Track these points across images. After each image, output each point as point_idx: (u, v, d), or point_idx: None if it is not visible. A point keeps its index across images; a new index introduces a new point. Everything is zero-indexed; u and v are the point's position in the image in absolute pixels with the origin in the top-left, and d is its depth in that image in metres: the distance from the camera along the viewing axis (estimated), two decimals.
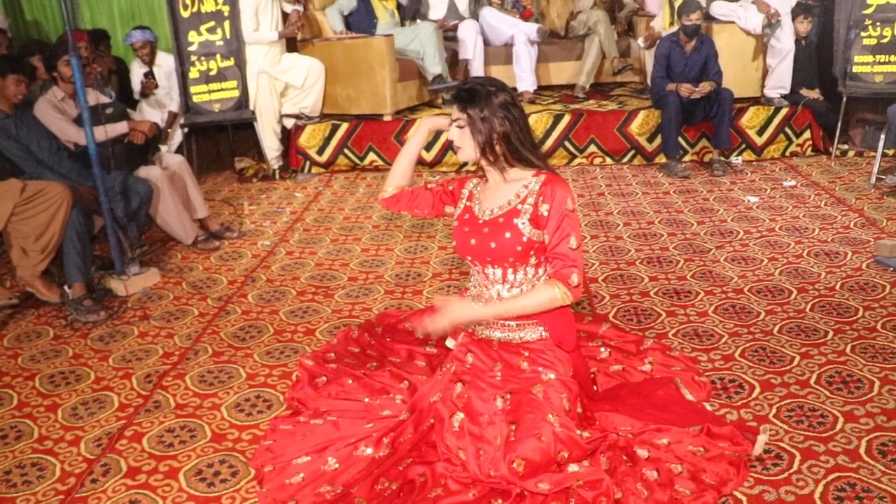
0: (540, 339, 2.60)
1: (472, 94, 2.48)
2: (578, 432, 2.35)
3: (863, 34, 5.91)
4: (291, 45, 6.81)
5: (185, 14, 6.05)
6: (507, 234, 2.51)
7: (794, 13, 6.29)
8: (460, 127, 2.52)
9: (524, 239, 2.49)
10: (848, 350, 3.09)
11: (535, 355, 2.57)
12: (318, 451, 2.48)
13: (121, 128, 4.54)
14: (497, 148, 2.50)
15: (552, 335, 2.60)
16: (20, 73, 4.06)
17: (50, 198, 3.81)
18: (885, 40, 5.87)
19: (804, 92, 6.30)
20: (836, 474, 2.33)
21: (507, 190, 2.58)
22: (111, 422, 2.88)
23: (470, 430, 2.39)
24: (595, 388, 2.81)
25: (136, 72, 6.45)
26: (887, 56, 5.89)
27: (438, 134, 6.38)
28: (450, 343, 2.84)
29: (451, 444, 2.39)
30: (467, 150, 2.54)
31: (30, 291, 4.00)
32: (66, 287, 3.94)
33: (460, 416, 2.44)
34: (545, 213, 2.48)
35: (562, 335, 2.61)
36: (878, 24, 5.87)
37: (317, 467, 2.42)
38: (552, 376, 2.50)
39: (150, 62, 6.38)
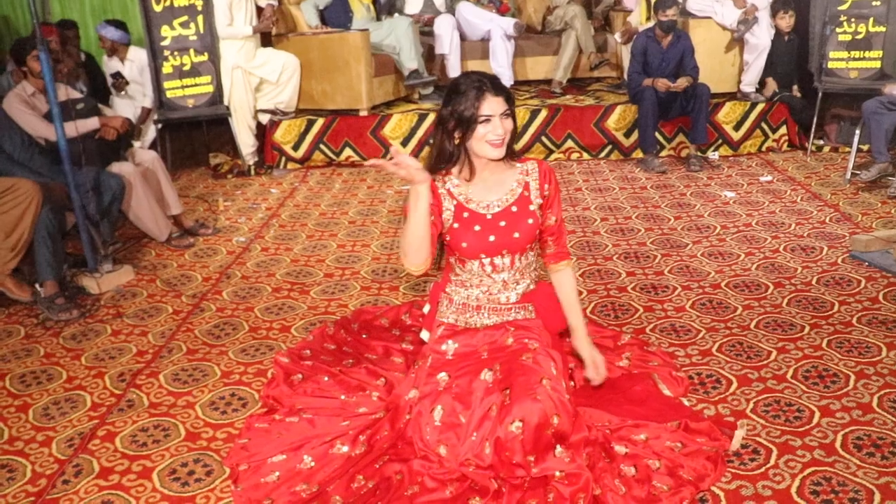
0: (525, 318, 2.63)
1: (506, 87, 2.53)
2: (567, 397, 2.34)
3: (838, 30, 5.96)
4: (266, 39, 6.74)
5: (158, 8, 5.99)
6: (530, 221, 2.57)
7: (774, 9, 6.29)
8: (508, 116, 2.50)
9: (540, 223, 2.61)
10: (824, 345, 3.11)
11: (520, 330, 2.58)
12: (293, 450, 2.46)
13: (92, 123, 4.46)
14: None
15: (539, 314, 2.64)
16: None
17: (19, 195, 3.74)
18: (859, 36, 5.91)
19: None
20: (813, 468, 2.34)
21: (503, 181, 2.60)
22: (83, 422, 2.84)
23: (456, 422, 2.36)
24: (573, 383, 2.80)
25: (109, 67, 6.36)
26: (862, 52, 5.93)
27: (415, 129, 6.38)
28: (424, 335, 2.82)
29: (430, 440, 2.37)
30: (506, 143, 2.52)
31: (0, 290, 3.93)
32: (37, 285, 3.87)
33: (440, 410, 2.41)
34: (549, 195, 2.61)
35: (549, 315, 2.65)
36: (852, 20, 5.91)
37: (292, 466, 2.41)
38: (536, 345, 2.50)
39: (121, 59, 6.29)
